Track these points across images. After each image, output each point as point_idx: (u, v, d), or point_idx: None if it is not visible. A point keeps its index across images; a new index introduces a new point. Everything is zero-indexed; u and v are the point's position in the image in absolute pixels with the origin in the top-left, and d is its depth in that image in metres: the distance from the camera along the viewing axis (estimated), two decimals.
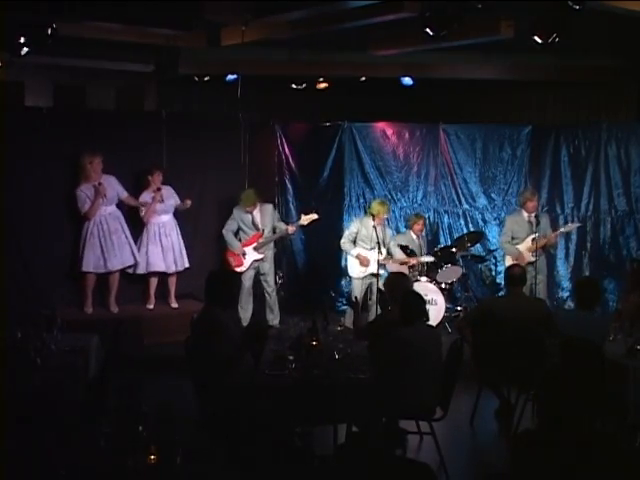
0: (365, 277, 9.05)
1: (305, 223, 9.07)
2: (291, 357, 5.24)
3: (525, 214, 8.95)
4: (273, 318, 9.23)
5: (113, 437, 3.62)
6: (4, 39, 7.04)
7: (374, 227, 8.77)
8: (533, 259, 8.77)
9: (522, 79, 11.05)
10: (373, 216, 8.85)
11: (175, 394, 5.56)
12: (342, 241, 9.13)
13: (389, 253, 9.01)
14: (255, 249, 9.03)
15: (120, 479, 3.42)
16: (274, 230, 9.14)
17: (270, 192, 9.92)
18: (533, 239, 8.76)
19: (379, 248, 8.66)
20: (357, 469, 3.83)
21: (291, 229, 9.15)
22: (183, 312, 8.58)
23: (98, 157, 8.43)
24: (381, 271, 8.89)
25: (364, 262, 8.96)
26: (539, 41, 6.90)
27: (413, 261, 9.18)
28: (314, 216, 9.03)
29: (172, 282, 9.06)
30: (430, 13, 6.93)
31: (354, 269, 9.11)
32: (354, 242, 9.07)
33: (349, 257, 9.13)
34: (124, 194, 8.67)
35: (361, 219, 9.21)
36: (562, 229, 9.13)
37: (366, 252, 8.99)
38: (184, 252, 9.01)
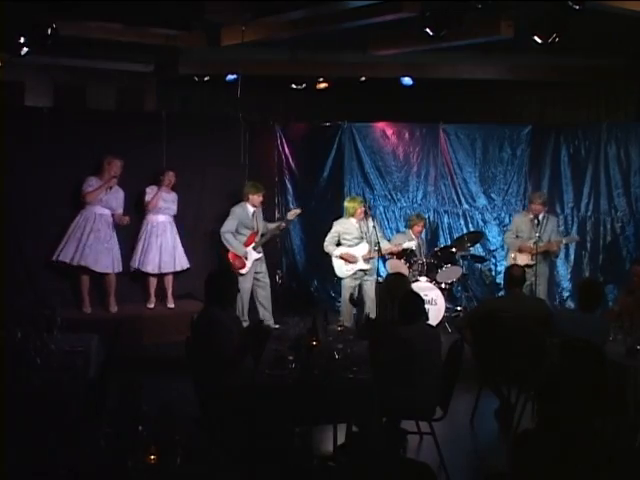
0: (354, 275, 9.03)
1: (291, 218, 9.24)
2: (291, 357, 5.24)
3: (531, 215, 8.96)
4: (268, 318, 9.20)
5: (113, 437, 3.62)
6: (4, 39, 7.04)
7: (357, 224, 8.85)
8: (532, 262, 8.76)
9: (522, 79, 11.06)
10: (352, 215, 8.93)
11: (175, 394, 5.56)
12: (325, 244, 9.05)
13: (377, 248, 8.91)
14: (254, 249, 9.03)
15: (120, 479, 3.42)
16: (265, 231, 9.16)
17: (270, 192, 9.92)
18: (535, 242, 8.75)
19: (379, 245, 8.68)
20: (357, 469, 3.84)
21: (282, 226, 9.20)
22: (183, 312, 8.57)
23: (118, 160, 8.46)
24: (368, 266, 8.91)
25: (349, 259, 8.95)
26: (539, 41, 6.91)
27: (396, 249, 9.13)
28: (297, 211, 9.26)
29: (168, 282, 9.05)
30: (430, 13, 6.93)
31: (340, 269, 9.09)
32: (337, 244, 9.06)
33: (333, 259, 9.11)
34: (119, 210, 8.62)
35: (341, 220, 9.16)
36: (564, 240, 9.13)
37: (350, 250, 8.98)
38: (181, 252, 9.02)
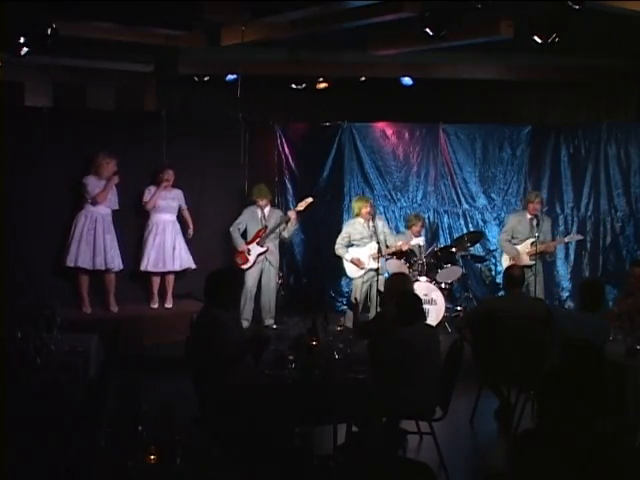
0: (365, 275, 9.04)
1: (302, 208, 9.18)
2: (291, 357, 5.24)
3: (528, 215, 8.95)
4: (269, 317, 9.20)
5: (113, 437, 3.62)
6: (4, 39, 7.04)
7: (365, 223, 8.88)
8: (531, 263, 8.75)
9: (522, 79, 11.06)
10: (357, 214, 9.00)
11: (175, 394, 5.56)
12: (336, 247, 9.11)
13: (387, 245, 8.97)
14: (258, 244, 9.05)
15: (120, 479, 3.42)
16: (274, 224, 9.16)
17: (270, 192, 9.91)
18: (532, 243, 8.74)
19: (379, 245, 8.69)
20: (357, 469, 3.83)
21: (291, 215, 9.15)
22: (183, 312, 8.57)
23: (115, 160, 8.46)
24: (375, 265, 8.90)
25: (359, 264, 8.98)
26: (539, 41, 6.91)
27: (405, 246, 9.14)
28: (309, 200, 9.17)
29: (169, 282, 9.04)
30: (430, 13, 6.93)
31: (351, 271, 9.12)
32: (348, 246, 9.07)
33: (344, 261, 9.13)
34: (116, 207, 8.64)
35: (350, 222, 9.23)
36: (565, 239, 9.12)
37: (360, 252, 8.98)
38: (184, 252, 9.00)
